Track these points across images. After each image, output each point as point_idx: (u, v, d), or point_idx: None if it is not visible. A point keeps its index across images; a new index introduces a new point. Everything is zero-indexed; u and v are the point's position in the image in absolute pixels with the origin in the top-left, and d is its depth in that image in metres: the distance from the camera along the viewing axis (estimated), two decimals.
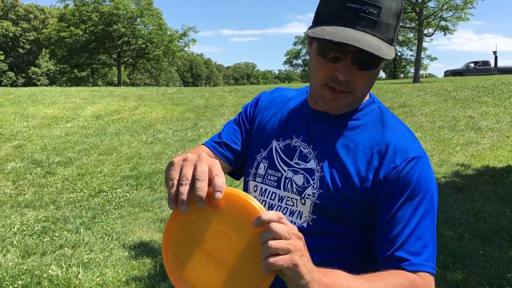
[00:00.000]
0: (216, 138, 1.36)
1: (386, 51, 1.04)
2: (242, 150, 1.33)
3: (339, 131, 1.17)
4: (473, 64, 32.29)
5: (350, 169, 1.12)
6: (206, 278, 0.91)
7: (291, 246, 0.83)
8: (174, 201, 0.87)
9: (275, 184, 1.21)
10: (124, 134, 11.52)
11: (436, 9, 30.19)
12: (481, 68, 31.03)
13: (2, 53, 52.41)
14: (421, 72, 38.43)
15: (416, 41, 36.21)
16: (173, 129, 12.13)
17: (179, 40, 44.94)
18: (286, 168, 1.19)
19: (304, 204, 1.15)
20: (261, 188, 1.23)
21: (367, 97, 1.23)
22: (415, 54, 34.74)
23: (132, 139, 10.90)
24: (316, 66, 1.12)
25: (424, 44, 36.45)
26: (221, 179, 0.88)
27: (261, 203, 1.15)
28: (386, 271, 1.02)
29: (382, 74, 58.73)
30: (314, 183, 1.14)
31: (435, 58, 50.55)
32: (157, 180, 7.74)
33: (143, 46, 42.96)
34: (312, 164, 1.16)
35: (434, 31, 31.55)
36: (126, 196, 7.00)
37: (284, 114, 1.28)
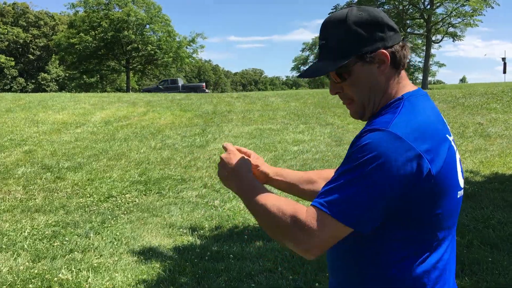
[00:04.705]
0: None
1: (323, 70, 1.32)
2: None
3: None
4: (165, 82, 36.72)
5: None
6: None
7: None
8: None
9: None
10: (133, 139, 11.60)
11: (444, 15, 30.15)
12: (170, 86, 34.50)
13: (13, 59, 52.94)
14: (430, 78, 38.33)
15: (424, 48, 36.12)
16: (181, 135, 12.19)
17: (188, 47, 45.20)
18: None
19: None
20: None
21: (395, 95, 1.31)
22: (423, 61, 34.65)
23: (140, 145, 10.97)
24: None
25: (432, 51, 36.36)
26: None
27: None
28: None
29: None
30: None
31: (444, 65, 50.24)
32: (166, 186, 7.78)
33: (152, 52, 43.25)
34: None
35: (443, 38, 31.50)
36: (135, 201, 7.05)
37: None
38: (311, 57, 68.75)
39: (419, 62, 49.27)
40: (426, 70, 29.45)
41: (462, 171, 1.34)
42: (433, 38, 31.02)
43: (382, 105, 1.31)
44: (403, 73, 1.33)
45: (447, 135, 1.27)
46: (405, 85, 1.33)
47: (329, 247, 1.17)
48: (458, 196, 1.31)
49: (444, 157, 1.21)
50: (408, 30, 38.34)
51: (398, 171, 1.12)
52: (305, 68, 1.40)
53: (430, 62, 37.42)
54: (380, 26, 1.27)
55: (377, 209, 1.14)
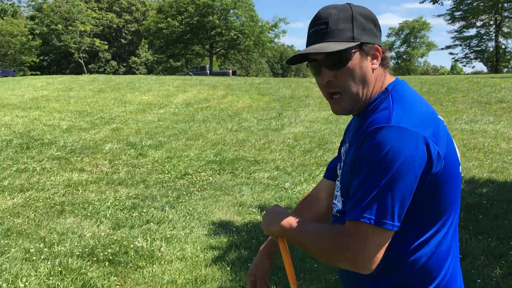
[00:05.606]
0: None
1: (333, 46, 1.26)
2: (336, 166, 1.62)
3: (358, 125, 1.34)
4: (194, 69, 42.01)
5: (350, 155, 1.30)
6: None
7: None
8: None
9: (339, 180, 1.46)
10: (211, 121, 11.99)
11: None
12: (199, 73, 38.90)
13: (106, 43, 56.26)
14: None
15: None
16: (257, 118, 12.39)
17: (270, 32, 45.40)
18: (342, 165, 1.43)
19: (339, 190, 1.43)
20: (336, 184, 1.51)
21: (379, 89, 1.35)
22: None
23: (218, 126, 11.32)
24: (317, 85, 1.39)
25: None
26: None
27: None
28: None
29: (483, 68, 54.51)
30: (341, 172, 1.40)
31: None
32: (239, 166, 8.00)
33: (235, 37, 43.98)
34: (344, 158, 1.41)
35: None
36: (209, 179, 7.33)
37: (349, 128, 1.56)
38: (397, 43, 66.23)
39: None
40: None
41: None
42: None
43: (369, 100, 1.34)
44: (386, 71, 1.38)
45: (438, 116, 1.31)
46: (387, 78, 1.38)
47: (381, 256, 1.17)
48: (460, 171, 1.34)
49: (446, 137, 1.25)
50: (505, 14, 35.69)
51: (413, 161, 1.15)
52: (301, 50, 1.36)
53: None
54: (376, 25, 1.35)
55: (406, 204, 1.17)
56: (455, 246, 1.34)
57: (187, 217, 5.58)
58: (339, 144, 1.60)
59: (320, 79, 1.33)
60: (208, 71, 39.69)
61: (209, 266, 4.21)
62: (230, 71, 40.23)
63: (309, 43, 1.32)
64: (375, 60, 1.32)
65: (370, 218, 1.14)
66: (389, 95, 1.30)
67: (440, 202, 1.25)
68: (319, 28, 1.30)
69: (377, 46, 1.32)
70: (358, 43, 1.28)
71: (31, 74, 46.64)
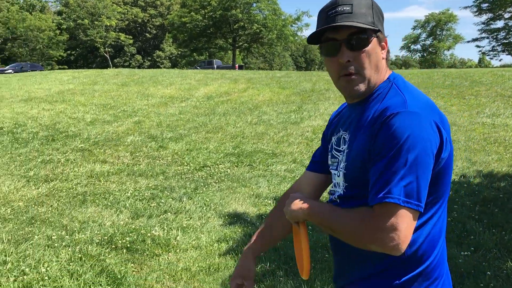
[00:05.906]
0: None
1: (358, 25, 1.31)
2: (321, 159, 1.68)
3: (361, 113, 1.41)
4: (202, 63, 43.81)
5: (361, 143, 1.35)
6: None
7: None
8: None
9: (334, 167, 1.51)
10: (231, 114, 12.11)
11: None
12: (206, 67, 40.02)
13: (131, 37, 56.93)
14: None
15: None
16: (277, 111, 12.46)
17: (292, 25, 45.24)
18: (339, 154, 1.49)
19: (339, 176, 1.46)
20: (332, 173, 1.56)
21: (383, 79, 1.42)
22: None
23: (238, 120, 11.43)
24: (328, 67, 1.42)
25: None
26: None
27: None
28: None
29: None
30: (344, 159, 1.43)
31: None
32: (257, 159, 8.10)
33: (258, 31, 43.98)
34: (345, 144, 1.45)
35: None
36: (227, 172, 7.45)
37: (339, 117, 1.60)
38: (423, 35, 65.07)
39: None
40: None
41: None
42: None
43: (375, 87, 1.39)
44: None
45: None
46: (387, 70, 1.45)
47: (410, 237, 1.19)
48: None
49: (448, 124, 1.33)
50: None
51: (431, 145, 1.23)
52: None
53: None
54: (383, 20, 1.44)
55: (427, 186, 1.23)
56: (445, 229, 1.41)
57: (204, 208, 5.71)
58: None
59: (338, 58, 1.35)
60: (215, 65, 40.93)
61: (222, 255, 4.33)
62: (237, 65, 41.39)
63: (330, 20, 1.35)
64: (383, 51, 1.40)
65: (399, 198, 1.18)
66: (393, 84, 1.38)
67: (441, 186, 1.32)
68: (343, 9, 1.33)
69: (386, 39, 1.41)
70: (378, 29, 1.36)
71: (59, 68, 47.64)
